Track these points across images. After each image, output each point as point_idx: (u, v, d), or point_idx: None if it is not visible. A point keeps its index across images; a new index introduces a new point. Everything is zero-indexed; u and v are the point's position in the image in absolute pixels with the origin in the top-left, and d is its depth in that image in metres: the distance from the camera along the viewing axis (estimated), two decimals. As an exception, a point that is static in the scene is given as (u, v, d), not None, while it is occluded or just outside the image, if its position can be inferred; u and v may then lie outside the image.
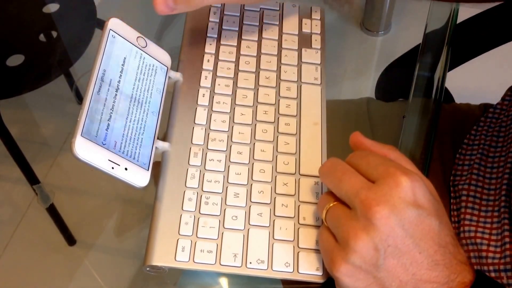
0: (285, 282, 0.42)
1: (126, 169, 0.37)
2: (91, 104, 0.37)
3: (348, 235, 0.32)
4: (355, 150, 0.38)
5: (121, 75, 0.40)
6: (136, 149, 0.39)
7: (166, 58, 0.45)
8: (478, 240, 0.51)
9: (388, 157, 0.36)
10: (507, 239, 0.48)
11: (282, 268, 0.38)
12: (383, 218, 0.32)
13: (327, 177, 0.36)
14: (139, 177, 0.38)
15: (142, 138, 0.40)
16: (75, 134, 0.35)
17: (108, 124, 0.38)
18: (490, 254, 0.49)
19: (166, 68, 0.45)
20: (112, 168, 0.36)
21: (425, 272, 0.32)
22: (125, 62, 0.41)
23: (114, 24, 0.41)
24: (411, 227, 0.32)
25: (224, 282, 0.45)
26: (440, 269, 0.33)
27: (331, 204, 0.35)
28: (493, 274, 0.49)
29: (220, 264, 0.38)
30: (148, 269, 0.38)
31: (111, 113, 0.38)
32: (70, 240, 0.90)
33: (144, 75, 0.42)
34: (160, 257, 0.38)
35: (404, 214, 0.32)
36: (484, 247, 0.50)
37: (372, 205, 0.32)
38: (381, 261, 0.32)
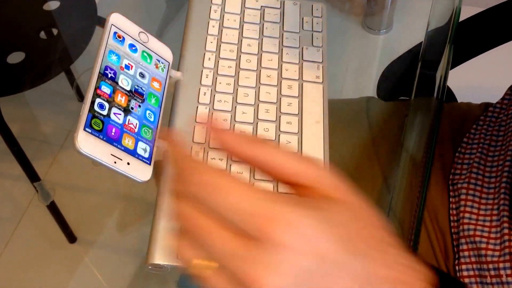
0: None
1: (128, 163, 0.37)
2: (93, 99, 0.37)
3: None
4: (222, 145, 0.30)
5: (123, 70, 0.40)
6: (138, 144, 0.39)
7: (168, 53, 0.45)
8: (477, 239, 0.51)
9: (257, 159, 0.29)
10: (506, 237, 0.48)
11: None
12: None
13: (185, 234, 0.28)
14: (142, 172, 0.38)
15: (144, 133, 0.40)
16: (77, 128, 0.35)
17: (110, 119, 0.38)
18: (489, 252, 0.49)
19: (168, 63, 0.44)
20: (115, 162, 0.36)
21: None
22: (127, 57, 0.41)
23: (115, 19, 0.41)
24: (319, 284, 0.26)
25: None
26: None
27: (211, 269, 0.27)
28: (492, 272, 0.49)
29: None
30: (150, 267, 0.38)
31: (113, 107, 0.38)
32: (71, 237, 0.91)
33: (145, 70, 0.42)
34: (162, 256, 0.38)
35: (302, 280, 0.25)
36: (483, 245, 0.50)
37: (255, 282, 0.25)
38: None
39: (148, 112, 0.41)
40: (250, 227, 0.25)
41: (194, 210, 0.27)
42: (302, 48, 0.50)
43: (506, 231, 0.49)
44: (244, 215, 0.26)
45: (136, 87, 0.41)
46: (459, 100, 0.73)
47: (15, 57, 0.82)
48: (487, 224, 0.51)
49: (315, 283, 0.26)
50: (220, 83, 0.47)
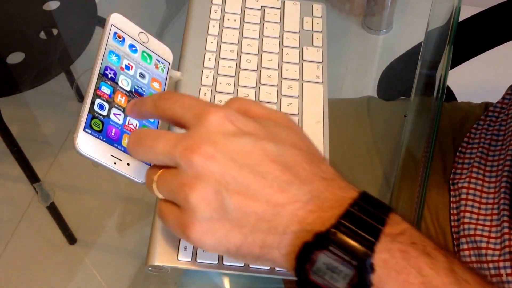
0: (286, 281, 0.42)
1: (128, 164, 0.37)
2: (93, 99, 0.37)
3: (184, 193, 0.29)
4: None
5: (123, 71, 0.40)
6: None
7: (168, 53, 0.45)
8: (478, 238, 0.51)
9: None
10: (506, 236, 0.48)
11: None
12: (209, 159, 0.29)
13: (138, 153, 0.32)
14: (142, 173, 0.38)
15: None
16: (77, 129, 0.35)
17: (110, 120, 0.38)
18: (490, 251, 0.49)
19: (168, 63, 0.44)
20: (115, 163, 0.36)
21: (279, 196, 0.29)
22: (127, 57, 0.41)
23: (115, 19, 0.41)
24: (243, 156, 0.29)
25: (225, 281, 0.45)
26: (296, 187, 0.29)
27: (157, 174, 0.32)
28: (492, 271, 0.49)
29: (223, 264, 0.38)
30: (150, 268, 0.38)
31: (113, 108, 0.38)
32: (71, 238, 0.90)
33: (145, 71, 0.42)
34: (162, 257, 0.38)
35: (230, 147, 0.29)
36: (484, 245, 0.50)
37: (193, 151, 0.29)
38: (227, 201, 0.29)
39: None
40: (190, 115, 0.31)
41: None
42: (302, 48, 0.50)
43: (506, 230, 0.49)
44: (188, 107, 0.31)
45: (136, 87, 0.41)
46: (459, 100, 0.73)
47: (15, 58, 0.82)
48: (487, 223, 0.51)
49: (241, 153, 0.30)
50: (220, 83, 0.47)
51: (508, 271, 0.48)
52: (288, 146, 0.31)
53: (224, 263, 0.38)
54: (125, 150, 0.38)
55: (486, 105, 0.64)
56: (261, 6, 0.52)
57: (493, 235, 0.50)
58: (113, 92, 0.39)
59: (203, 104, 0.31)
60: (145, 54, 0.43)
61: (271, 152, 0.30)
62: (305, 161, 0.31)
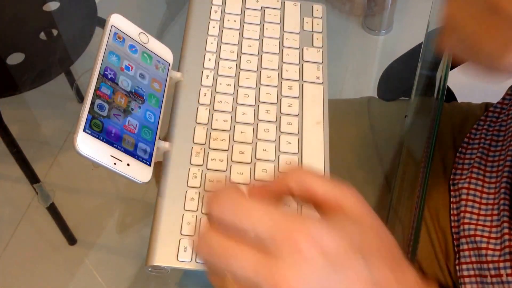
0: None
1: (128, 165, 0.37)
2: (93, 100, 0.37)
3: None
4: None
5: (123, 71, 0.40)
6: (138, 145, 0.39)
7: (168, 54, 0.45)
8: (478, 238, 0.51)
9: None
10: (506, 237, 0.48)
11: None
12: None
13: (210, 264, 0.29)
14: (142, 173, 0.38)
15: (144, 134, 0.40)
16: (77, 129, 0.35)
17: (110, 120, 0.38)
18: (490, 252, 0.49)
19: (168, 64, 0.44)
20: (115, 164, 0.36)
21: None
22: (127, 58, 0.41)
23: (115, 20, 0.41)
24: None
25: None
26: None
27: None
28: (492, 272, 0.49)
29: (222, 263, 0.38)
30: (150, 269, 0.38)
31: (113, 109, 0.38)
32: (71, 239, 0.91)
33: (146, 71, 0.42)
34: (162, 257, 0.38)
35: (323, 283, 0.27)
36: (484, 245, 0.50)
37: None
38: None
39: (148, 113, 0.41)
40: (268, 238, 0.27)
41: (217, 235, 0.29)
42: (303, 48, 0.50)
43: (506, 230, 0.49)
44: (266, 228, 0.28)
45: (136, 88, 0.41)
46: (459, 100, 0.73)
47: (15, 58, 0.82)
48: (488, 224, 0.51)
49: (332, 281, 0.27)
50: (220, 83, 0.47)
51: (508, 271, 0.48)
52: (378, 263, 0.29)
53: (224, 263, 0.38)
54: (125, 151, 0.37)
55: (486, 106, 0.64)
56: (261, 7, 0.52)
57: (493, 235, 0.50)
58: (113, 92, 0.39)
59: (280, 222, 0.28)
60: (145, 55, 0.43)
61: (365, 280, 0.28)
62: (395, 279, 0.29)
